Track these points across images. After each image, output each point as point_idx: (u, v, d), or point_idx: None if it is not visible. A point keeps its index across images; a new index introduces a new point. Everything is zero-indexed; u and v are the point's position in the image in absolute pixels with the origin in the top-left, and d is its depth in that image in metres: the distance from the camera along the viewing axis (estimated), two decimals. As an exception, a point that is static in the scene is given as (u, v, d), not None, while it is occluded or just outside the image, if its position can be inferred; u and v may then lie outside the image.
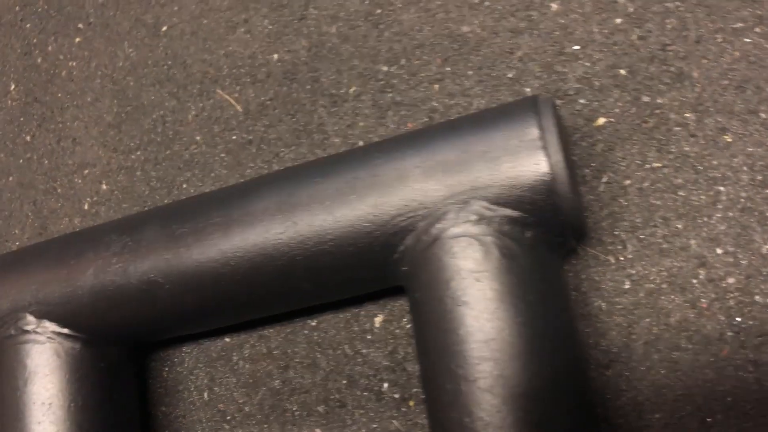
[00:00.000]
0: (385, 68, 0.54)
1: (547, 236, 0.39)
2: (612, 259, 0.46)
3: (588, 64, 0.48)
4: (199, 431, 0.54)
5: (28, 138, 0.67)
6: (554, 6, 0.50)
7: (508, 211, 0.39)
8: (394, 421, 0.49)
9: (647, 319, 0.44)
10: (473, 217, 0.39)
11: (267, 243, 0.43)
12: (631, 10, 0.48)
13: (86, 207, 0.62)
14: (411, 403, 0.49)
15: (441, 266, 0.39)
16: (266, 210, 0.44)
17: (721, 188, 0.44)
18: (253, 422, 0.53)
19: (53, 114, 0.66)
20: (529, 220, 0.39)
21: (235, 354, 0.54)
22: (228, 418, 0.53)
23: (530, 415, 0.36)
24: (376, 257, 0.42)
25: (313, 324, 0.52)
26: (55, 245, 0.52)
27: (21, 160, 0.66)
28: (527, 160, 0.38)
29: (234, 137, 0.58)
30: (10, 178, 0.66)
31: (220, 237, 0.44)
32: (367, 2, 0.55)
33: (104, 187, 0.62)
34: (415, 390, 0.49)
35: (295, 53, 0.57)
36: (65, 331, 0.49)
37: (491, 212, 0.39)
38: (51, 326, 0.49)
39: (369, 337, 0.50)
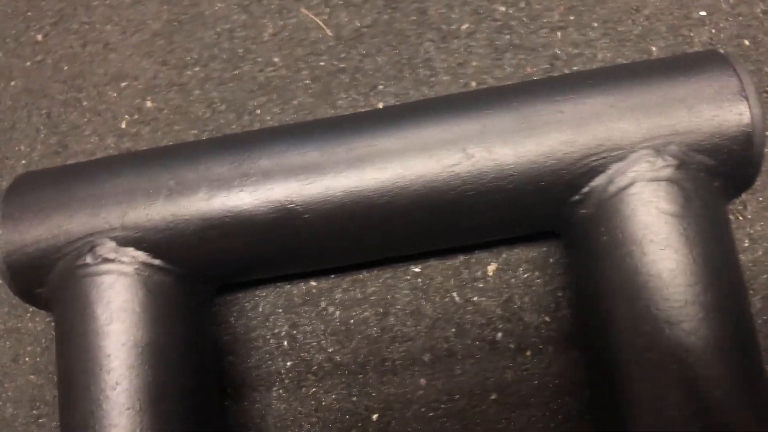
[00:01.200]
0: (502, 8, 0.52)
1: (728, 185, 0.40)
2: (732, 218, 0.48)
3: (713, 31, 0.50)
4: (276, 383, 0.49)
5: (39, 37, 0.55)
6: (681, -31, 0.51)
7: (705, 159, 0.39)
8: (508, 372, 0.48)
9: (765, 276, 0.47)
10: (673, 162, 0.39)
11: (437, 175, 0.40)
12: (752, -16, 0.50)
13: (123, 125, 0.53)
14: (528, 353, 0.48)
15: (639, 209, 0.38)
16: (437, 139, 0.40)
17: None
18: (346, 372, 0.49)
19: (76, 12, 0.55)
20: (721, 169, 0.39)
21: (323, 299, 0.50)
22: (314, 368, 0.49)
23: (732, 357, 0.37)
24: (554, 197, 0.40)
25: (417, 270, 0.49)
26: (142, 160, 0.44)
27: (28, 63, 0.55)
28: (730, 110, 0.39)
29: (322, 63, 0.52)
30: (12, 83, 0.55)
31: (379, 164, 0.40)
32: (482, -63, 0.52)
33: (149, 104, 0.53)
34: (533, 340, 0.48)
35: (397, -20, 0.53)
36: (156, 262, 0.42)
37: (689, 158, 0.39)
38: (139, 255, 0.42)
39: (480, 285, 0.49)
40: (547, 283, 0.48)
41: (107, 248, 0.42)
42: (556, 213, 0.41)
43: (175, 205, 0.42)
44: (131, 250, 0.42)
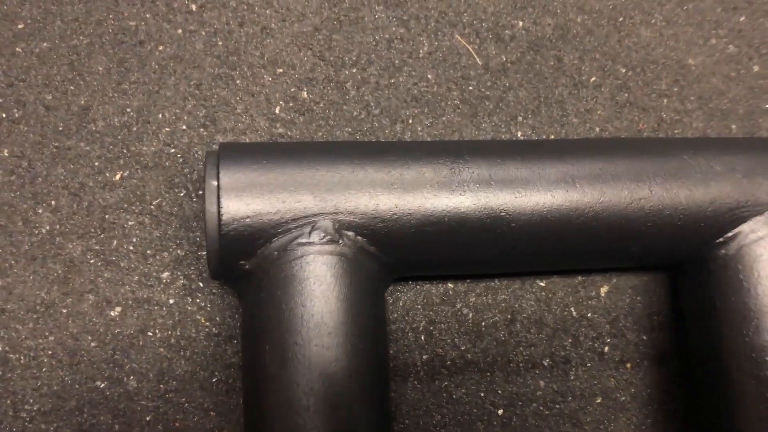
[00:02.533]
0: (623, 70, 0.60)
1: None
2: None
3: (774, 120, 0.63)
4: (412, 375, 0.53)
5: (194, 7, 0.55)
6: (755, 68, 0.63)
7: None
8: (612, 380, 0.55)
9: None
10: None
11: (628, 206, 0.47)
12: (801, 89, 0.64)
13: (277, 111, 0.54)
14: (628, 366, 0.56)
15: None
16: (629, 174, 0.48)
17: None
18: (476, 369, 0.54)
19: (234, -10, 0.56)
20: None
21: (459, 301, 0.54)
22: (447, 363, 0.53)
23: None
24: (705, 235, 0.49)
25: (542, 284, 0.56)
26: (354, 150, 0.46)
27: (179, 30, 0.54)
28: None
29: (470, 88, 0.58)
30: (160, 48, 0.54)
31: (581, 187, 0.47)
32: (611, 7, 0.61)
33: (304, 94, 0.55)
34: (633, 354, 0.56)
35: (540, 27, 0.60)
36: (371, 249, 0.45)
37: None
38: (358, 240, 0.44)
39: (593, 303, 0.56)
40: (647, 308, 0.57)
41: (331, 230, 0.44)
42: (700, 250, 0.50)
43: (399, 199, 0.45)
44: (352, 235, 0.44)
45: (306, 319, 0.42)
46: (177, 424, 0.49)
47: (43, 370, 0.49)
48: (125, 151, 0.52)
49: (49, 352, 0.49)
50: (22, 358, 0.49)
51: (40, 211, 0.50)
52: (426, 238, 0.45)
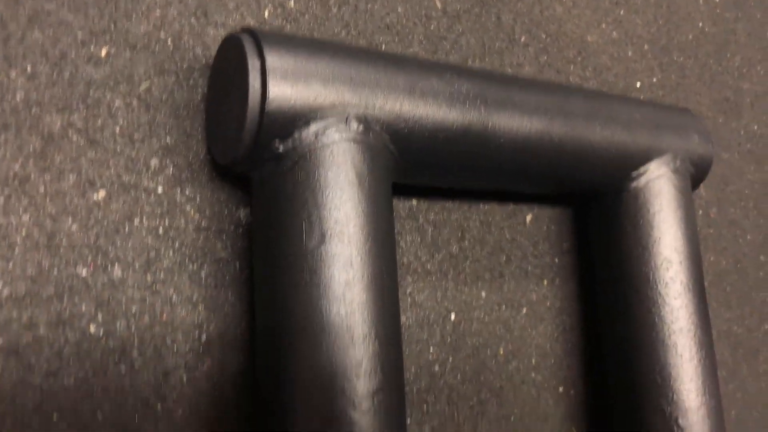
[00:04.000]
0: (543, 36, 0.71)
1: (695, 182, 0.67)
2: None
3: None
4: (382, 279, 0.56)
5: None
6: (630, 53, 0.78)
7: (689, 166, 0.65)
8: (534, 294, 0.65)
9: (655, 254, 0.75)
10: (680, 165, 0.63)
11: (571, 136, 0.57)
12: None
13: (266, 15, 0.54)
14: (545, 282, 0.66)
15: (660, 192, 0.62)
16: (573, 113, 0.57)
17: None
18: (434, 279, 0.59)
19: None
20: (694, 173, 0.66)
21: (420, 216, 0.59)
22: (411, 270, 0.58)
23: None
24: (621, 169, 0.61)
25: (485, 208, 0.63)
26: (389, 57, 0.50)
27: None
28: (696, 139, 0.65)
29: (432, 27, 0.63)
30: (150, -74, 0.50)
31: (543, 117, 0.55)
32: (536, -20, 0.71)
33: (292, 4, 0.56)
34: (548, 272, 0.66)
35: (485, -15, 0.67)
36: (391, 147, 0.48)
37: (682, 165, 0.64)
38: (384, 137, 0.48)
39: (521, 228, 0.65)
40: (558, 235, 0.67)
41: (364, 122, 0.46)
42: (620, 180, 0.61)
43: (419, 105, 0.49)
44: (379, 130, 0.47)
45: (343, 201, 0.44)
46: (164, 317, 0.47)
47: (16, 251, 0.43)
48: (112, 26, 0.48)
49: (23, 233, 0.43)
50: (-10, 236, 0.43)
51: (14, 75, 0.45)
52: (435, 144, 0.50)
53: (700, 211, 0.80)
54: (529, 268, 0.66)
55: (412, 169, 0.52)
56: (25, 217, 0.44)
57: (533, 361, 0.64)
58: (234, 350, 0.49)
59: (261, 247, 0.46)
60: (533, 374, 0.63)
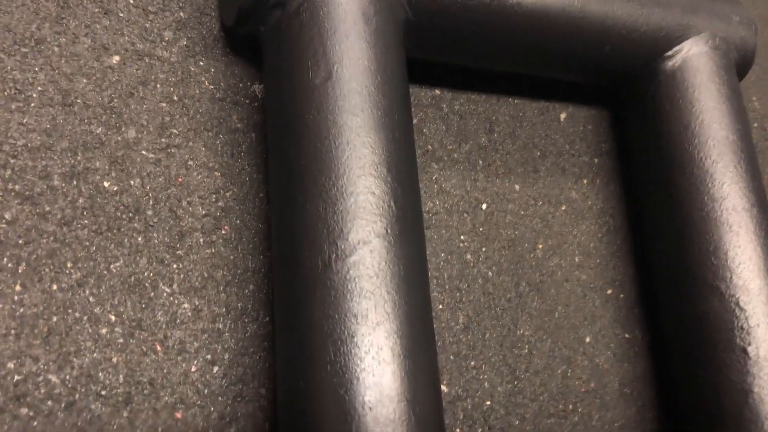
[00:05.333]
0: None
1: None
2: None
3: None
4: (406, 164, 0.55)
5: None
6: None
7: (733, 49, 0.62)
8: (573, 192, 0.62)
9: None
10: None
11: (595, 8, 0.55)
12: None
13: None
14: (585, 181, 0.63)
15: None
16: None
17: None
18: (461, 168, 0.57)
19: None
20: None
21: (445, 106, 0.58)
22: (436, 158, 0.56)
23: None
24: (653, 49, 0.58)
25: (516, 102, 0.61)
26: None
27: None
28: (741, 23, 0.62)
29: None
30: None
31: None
32: None
33: None
34: (588, 172, 0.63)
35: None
36: (404, 3, 0.48)
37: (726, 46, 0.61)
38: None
39: (555, 125, 0.63)
40: (596, 135, 0.65)
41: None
42: (653, 60, 0.59)
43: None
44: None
45: (349, 39, 0.44)
46: (179, 180, 0.47)
47: (32, 105, 0.44)
48: None
49: (39, 89, 0.44)
50: (7, 90, 0.44)
51: (31, -55, 0.47)
52: (451, 7, 0.49)
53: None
54: (566, 165, 0.63)
55: (426, 37, 0.51)
56: (41, 75, 0.45)
57: (576, 259, 0.60)
58: (252, 218, 0.48)
59: (272, 95, 0.46)
60: (577, 273, 0.60)
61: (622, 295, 0.61)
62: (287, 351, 0.41)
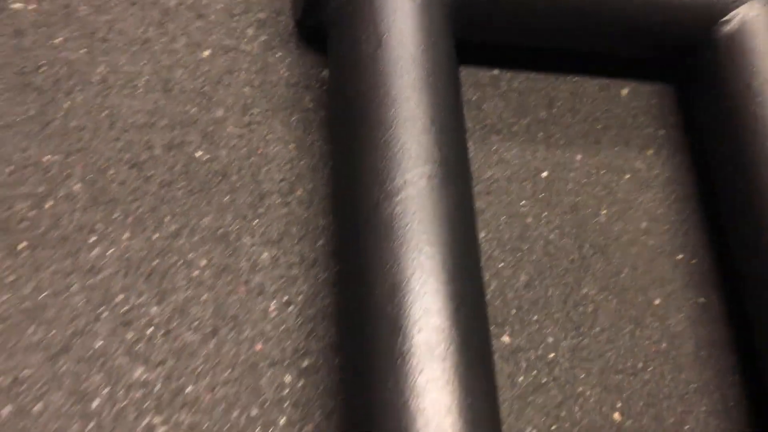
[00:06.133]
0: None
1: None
2: None
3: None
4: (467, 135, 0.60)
5: None
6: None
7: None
8: (638, 162, 0.64)
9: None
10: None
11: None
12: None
13: None
14: (650, 152, 0.64)
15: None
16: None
17: None
18: (521, 140, 0.61)
19: None
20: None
21: (504, 84, 0.63)
22: (496, 130, 0.61)
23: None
24: (709, 17, 0.60)
25: (575, 80, 0.65)
26: None
27: None
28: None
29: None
30: None
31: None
32: None
33: None
34: (653, 143, 0.65)
35: None
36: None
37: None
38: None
39: (617, 100, 0.66)
40: (660, 108, 0.66)
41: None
42: (710, 28, 0.61)
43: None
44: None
45: (396, 13, 0.50)
46: (260, 151, 0.54)
47: (138, 91, 0.54)
48: (216, -68, 0.60)
49: (145, 78, 0.54)
50: (119, 80, 0.54)
51: (140, -33, 0.57)
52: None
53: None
54: (629, 137, 0.65)
55: (475, 15, 0.56)
56: (147, 67, 0.55)
57: (643, 225, 0.61)
58: (322, 183, 0.55)
59: (333, 69, 0.53)
60: (644, 238, 0.61)
61: (694, 261, 0.62)
62: (345, 279, 0.46)
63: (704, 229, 0.63)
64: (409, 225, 0.44)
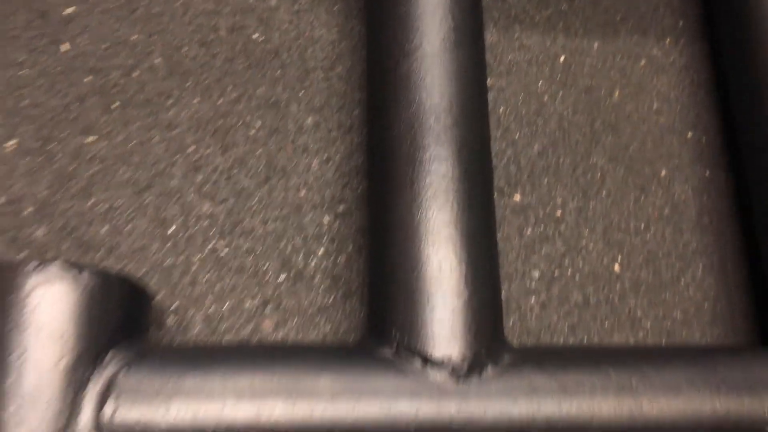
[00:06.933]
0: None
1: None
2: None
3: None
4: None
5: None
6: None
7: None
8: (655, 49, 0.69)
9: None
10: None
11: None
12: None
13: None
14: (668, 41, 0.69)
15: None
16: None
17: None
18: (542, 29, 0.68)
19: None
20: None
21: None
22: (518, 20, 0.67)
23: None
24: None
25: (596, -25, 0.70)
26: None
27: None
28: None
29: None
30: None
31: None
32: None
33: None
34: (671, 32, 0.70)
35: None
36: None
37: None
38: None
39: None
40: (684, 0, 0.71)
41: None
42: None
43: None
44: None
45: None
46: (306, 34, 0.64)
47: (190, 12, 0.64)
48: None
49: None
50: (191, -25, 0.64)
51: None
52: None
53: None
54: (648, 27, 0.70)
55: None
56: (213, -36, 0.65)
57: (655, 105, 0.67)
58: (360, 61, 0.64)
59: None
60: (655, 117, 0.67)
61: (703, 139, 0.67)
62: (371, 128, 0.55)
63: (716, 111, 0.68)
64: (423, 79, 0.53)
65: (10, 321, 0.42)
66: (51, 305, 0.42)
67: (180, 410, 0.43)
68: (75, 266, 0.44)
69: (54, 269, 0.43)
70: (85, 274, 0.44)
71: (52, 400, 0.41)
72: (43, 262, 0.43)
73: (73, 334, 0.43)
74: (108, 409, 0.42)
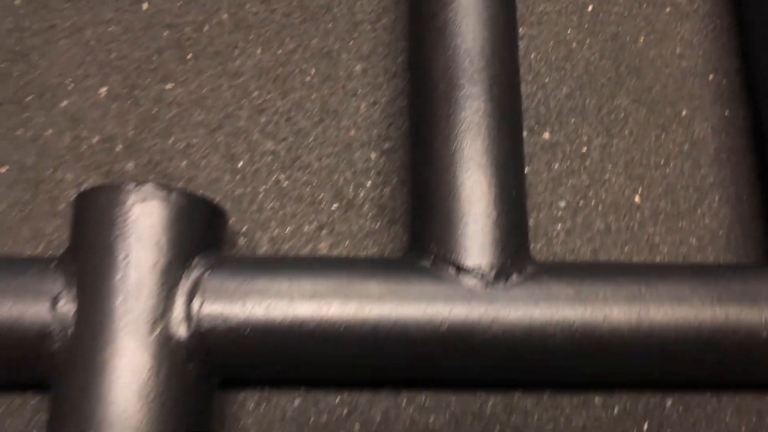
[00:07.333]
0: None
1: None
2: None
3: None
4: None
5: None
6: None
7: None
8: (679, -3, 0.74)
9: None
10: None
11: None
12: None
13: None
14: (692, -11, 0.74)
15: None
16: None
17: None
18: None
19: None
20: None
21: None
22: None
23: None
24: None
25: None
26: None
27: None
28: None
29: None
30: None
31: None
32: None
33: None
34: (697, -19, 0.74)
35: None
36: None
37: None
38: None
39: None
40: (708, -50, 0.75)
41: None
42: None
43: None
44: None
45: None
46: (355, -10, 0.71)
47: (266, -53, 0.72)
48: None
49: (270, -63, 0.72)
50: (252, -62, 0.72)
51: None
52: None
53: None
54: (674, -23, 0.75)
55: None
56: (271, -72, 0.72)
57: (678, 50, 0.72)
58: (404, 13, 0.71)
59: None
60: (678, 61, 0.72)
61: (724, 81, 0.72)
62: (412, 76, 0.63)
63: (736, 55, 0.73)
64: (459, 27, 0.60)
65: (116, 230, 0.51)
66: (147, 218, 0.52)
67: (254, 305, 0.52)
68: (165, 187, 0.53)
69: (149, 189, 0.52)
70: (174, 194, 0.53)
71: (151, 294, 0.51)
72: (140, 183, 0.52)
73: (166, 242, 0.52)
74: (196, 303, 0.51)
